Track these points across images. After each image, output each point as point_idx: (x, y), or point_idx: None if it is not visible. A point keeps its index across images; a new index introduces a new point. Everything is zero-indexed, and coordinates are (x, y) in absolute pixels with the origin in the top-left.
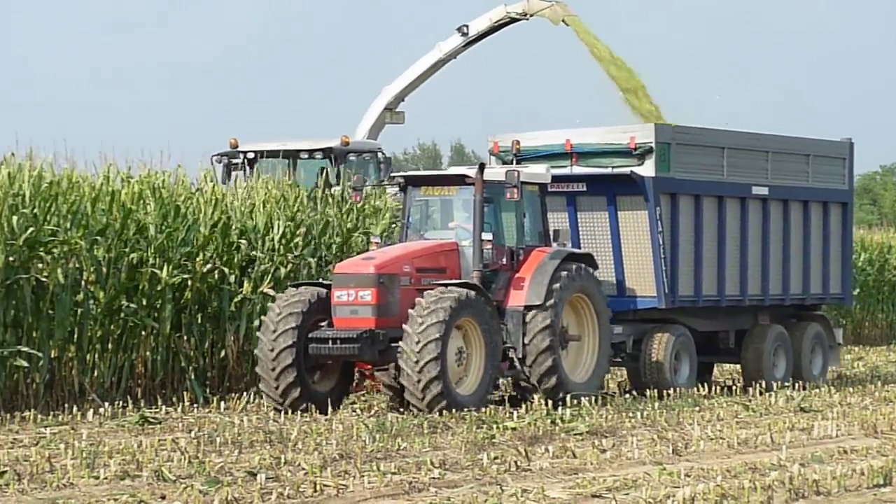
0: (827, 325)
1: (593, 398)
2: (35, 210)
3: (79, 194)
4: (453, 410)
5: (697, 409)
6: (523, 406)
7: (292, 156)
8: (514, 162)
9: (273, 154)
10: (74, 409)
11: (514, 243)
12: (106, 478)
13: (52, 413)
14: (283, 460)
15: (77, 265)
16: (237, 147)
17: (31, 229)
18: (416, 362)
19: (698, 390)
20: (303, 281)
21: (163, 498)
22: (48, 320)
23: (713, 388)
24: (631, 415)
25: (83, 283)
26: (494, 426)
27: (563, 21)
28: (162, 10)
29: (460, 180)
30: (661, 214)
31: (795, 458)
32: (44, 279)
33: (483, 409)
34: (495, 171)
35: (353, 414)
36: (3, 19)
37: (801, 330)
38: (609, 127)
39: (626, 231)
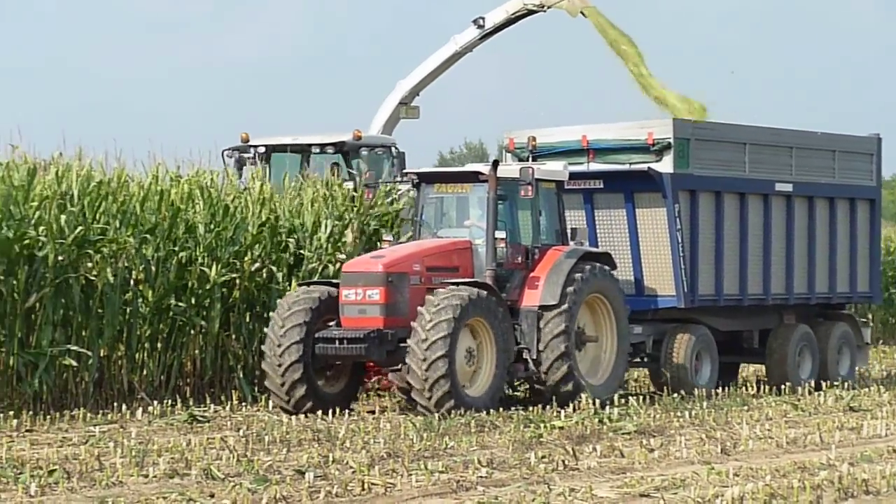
0: (854, 325)
1: (642, 397)
2: (84, 209)
3: (128, 194)
4: (500, 409)
5: (746, 408)
6: (570, 405)
7: (304, 150)
8: (530, 159)
9: (284, 148)
10: (123, 407)
11: (530, 242)
12: (155, 476)
13: (101, 411)
14: (331, 459)
15: (126, 264)
16: (248, 141)
17: (79, 228)
18: (424, 360)
19: (747, 389)
20: (313, 279)
21: (212, 496)
22: (97, 319)
23: (761, 387)
24: (679, 414)
25: (132, 281)
26: (542, 425)
27: (581, 13)
28: (199, 11)
29: (474, 177)
30: (679, 212)
31: (845, 458)
32: (93, 278)
33: (530, 408)
34: (510, 168)
35: (401, 412)
36: (52, 21)
37: (827, 329)
38: (626, 122)
39: (644, 229)
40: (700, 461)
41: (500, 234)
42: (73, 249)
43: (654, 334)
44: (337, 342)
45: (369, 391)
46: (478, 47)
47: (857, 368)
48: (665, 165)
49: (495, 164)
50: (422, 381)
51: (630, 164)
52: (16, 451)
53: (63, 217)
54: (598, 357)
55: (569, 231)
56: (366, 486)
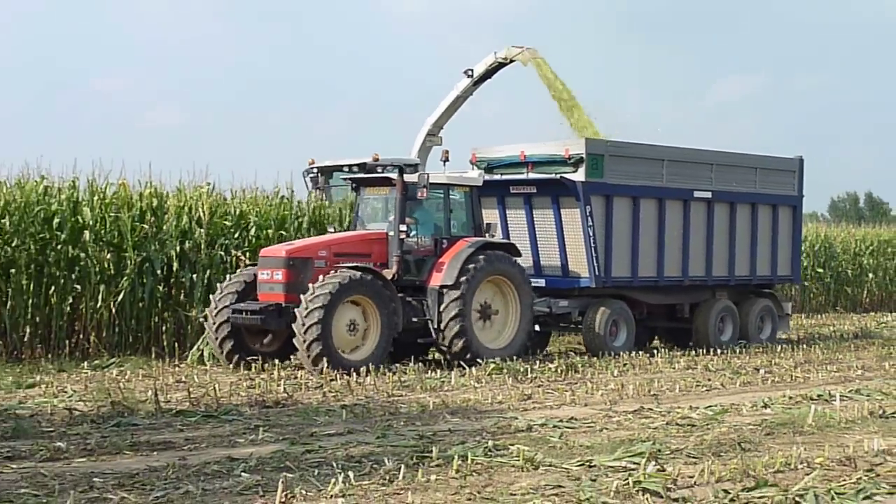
0: (776, 300)
1: None
2: None
3: None
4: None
5: None
6: None
7: (331, 172)
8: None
9: (329, 171)
10: None
11: (441, 234)
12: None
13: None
14: (772, 362)
15: None
16: (313, 164)
17: None
18: (303, 325)
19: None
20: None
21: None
22: None
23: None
24: None
25: None
26: (892, 346)
27: (530, 62)
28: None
29: (390, 182)
30: (591, 212)
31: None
32: None
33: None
34: (413, 176)
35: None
36: None
37: (750, 303)
38: (553, 141)
39: (567, 225)
40: None
41: (403, 228)
42: None
43: (579, 307)
44: (244, 313)
45: None
46: (475, 92)
47: (778, 334)
48: (580, 175)
49: (401, 170)
50: (301, 343)
51: (557, 174)
52: None
53: None
54: (503, 327)
55: (484, 225)
56: (793, 377)
